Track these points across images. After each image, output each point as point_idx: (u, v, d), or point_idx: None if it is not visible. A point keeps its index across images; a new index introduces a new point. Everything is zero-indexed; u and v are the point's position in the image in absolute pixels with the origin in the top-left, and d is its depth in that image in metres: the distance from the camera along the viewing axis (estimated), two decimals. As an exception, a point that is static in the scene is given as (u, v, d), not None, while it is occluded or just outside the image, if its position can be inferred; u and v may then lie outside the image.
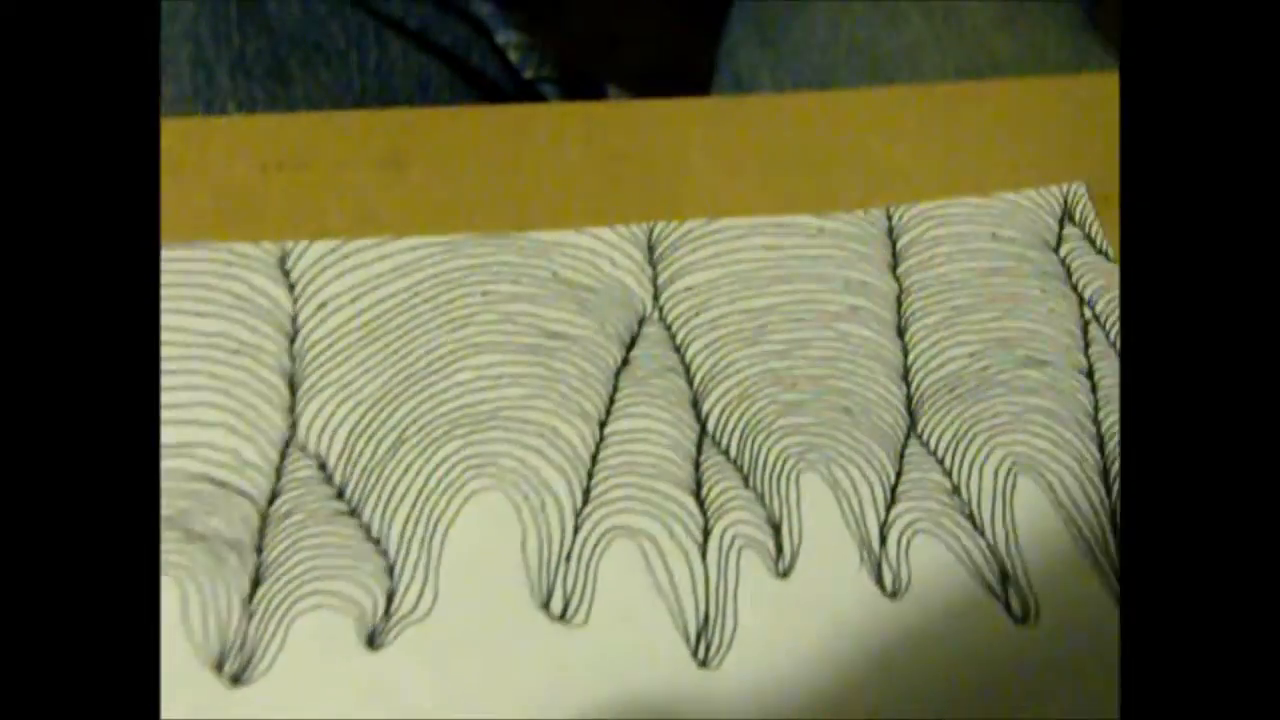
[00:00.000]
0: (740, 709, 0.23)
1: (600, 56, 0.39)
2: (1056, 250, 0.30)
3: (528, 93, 0.37)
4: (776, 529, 0.25)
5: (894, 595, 0.25)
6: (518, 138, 0.32)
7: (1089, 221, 0.30)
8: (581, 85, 0.34)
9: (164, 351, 0.27)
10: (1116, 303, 0.29)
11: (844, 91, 0.34)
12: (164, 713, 0.23)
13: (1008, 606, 0.25)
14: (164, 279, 0.28)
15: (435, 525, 0.25)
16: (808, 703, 0.23)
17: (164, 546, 0.24)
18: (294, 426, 0.26)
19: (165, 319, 0.27)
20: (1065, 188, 0.31)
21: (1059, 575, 0.25)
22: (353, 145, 0.31)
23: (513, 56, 0.36)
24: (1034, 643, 0.24)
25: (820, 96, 0.34)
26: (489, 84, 0.36)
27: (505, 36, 0.36)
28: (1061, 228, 0.30)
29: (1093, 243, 0.30)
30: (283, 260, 0.28)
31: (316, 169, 0.30)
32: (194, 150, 0.30)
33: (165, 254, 0.28)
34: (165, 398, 0.26)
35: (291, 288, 0.28)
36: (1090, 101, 0.32)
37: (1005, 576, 0.25)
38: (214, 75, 0.30)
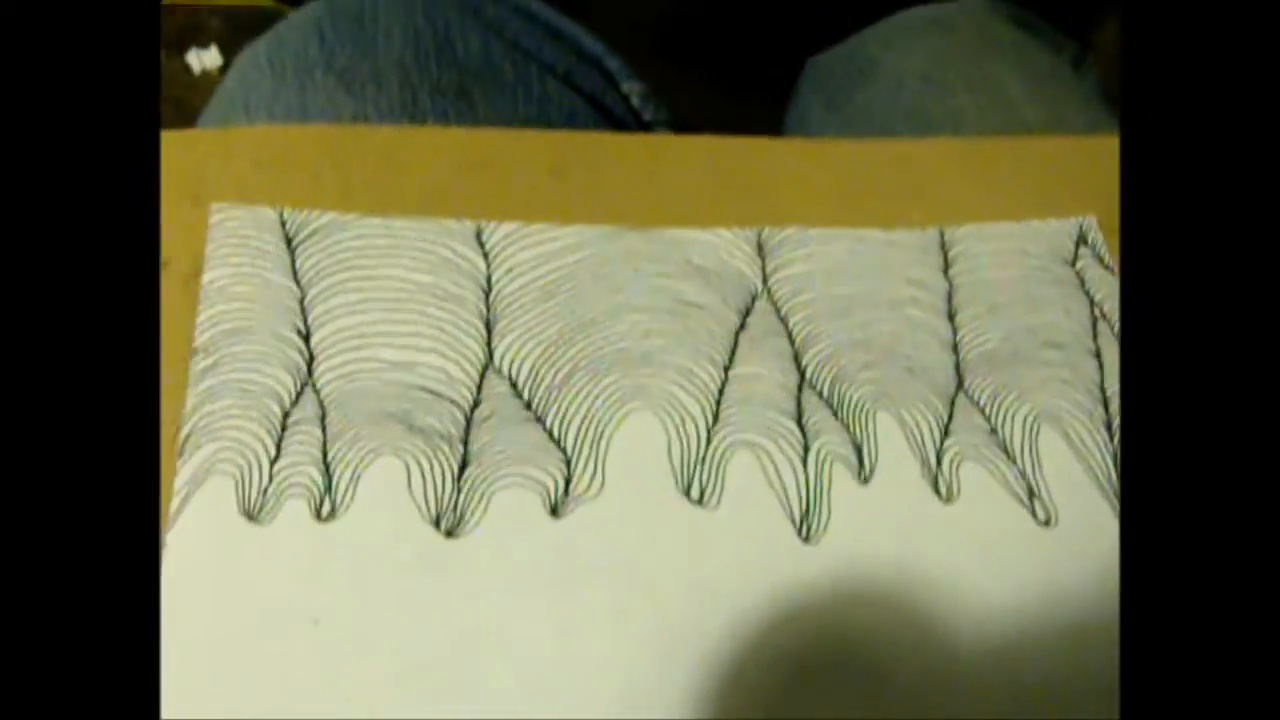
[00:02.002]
0: (831, 572, 0.31)
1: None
2: (1073, 265, 0.39)
3: (648, 131, 0.46)
4: (859, 450, 0.33)
5: (948, 500, 0.33)
6: (650, 158, 0.40)
7: (1098, 245, 0.39)
8: (686, 128, 0.43)
9: (385, 296, 0.35)
10: (1117, 304, 0.38)
11: (903, 140, 0.43)
12: (394, 555, 0.31)
13: (1033, 513, 0.33)
14: (386, 243, 0.36)
15: (602, 432, 0.33)
16: (881, 572, 0.31)
17: (390, 435, 0.32)
18: (490, 356, 0.34)
19: (386, 270, 0.35)
20: (1080, 219, 0.40)
21: (1072, 493, 0.33)
22: (526, 155, 0.39)
23: (635, 102, 0.45)
24: (1054, 541, 0.32)
25: (885, 143, 0.43)
26: (618, 121, 0.44)
27: (629, 86, 0.45)
28: (1077, 248, 0.39)
29: (1101, 260, 0.39)
30: (479, 234, 0.36)
31: (499, 171, 0.38)
32: (404, 151, 0.38)
33: (388, 223, 0.36)
34: (390, 328, 0.34)
35: (486, 255, 0.36)
36: (1101, 155, 0.41)
37: (1032, 493, 0.33)
38: (417, 96, 0.39)
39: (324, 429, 0.32)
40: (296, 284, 0.34)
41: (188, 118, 0.48)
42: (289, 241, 0.35)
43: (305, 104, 0.38)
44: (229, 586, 0.29)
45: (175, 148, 0.36)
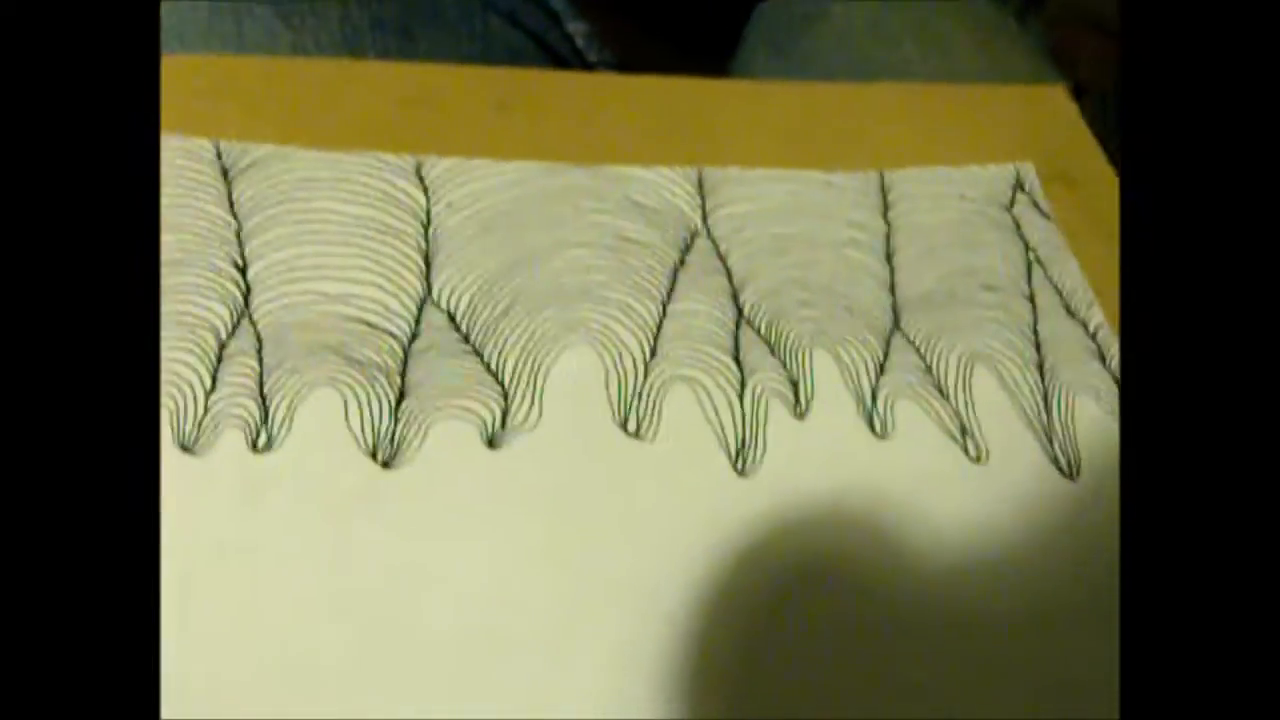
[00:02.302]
0: (766, 505, 0.31)
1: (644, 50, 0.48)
2: (1009, 210, 0.39)
3: (591, 72, 0.46)
4: (795, 385, 0.34)
5: (882, 437, 0.33)
6: (595, 97, 0.40)
7: (1035, 191, 0.39)
8: (630, 69, 0.43)
9: (324, 229, 0.35)
10: (1053, 248, 0.38)
11: (847, 84, 0.43)
12: (331, 486, 0.30)
13: (965, 450, 0.33)
14: (325, 176, 0.35)
15: (539, 365, 0.33)
16: (816, 505, 0.32)
17: (327, 367, 0.32)
18: (429, 289, 0.34)
19: (324, 204, 0.35)
20: (1018, 165, 0.40)
21: (1003, 431, 0.34)
22: (468, 91, 0.39)
23: (579, 42, 0.45)
24: (986, 476, 0.33)
25: (828, 87, 0.43)
26: (562, 61, 0.44)
27: (574, 25, 0.45)
28: (1014, 194, 0.39)
29: (1037, 206, 0.39)
30: (418, 168, 0.36)
31: (440, 106, 0.38)
32: (344, 84, 0.38)
33: (327, 156, 0.36)
34: (328, 260, 0.34)
35: (426, 190, 0.36)
36: (1041, 103, 0.41)
37: (964, 430, 0.34)
38: (358, 29, 0.39)
39: (260, 361, 0.32)
40: (233, 216, 0.34)
41: None
42: (225, 173, 0.35)
43: (242, 34, 0.38)
44: (165, 517, 0.29)
45: None
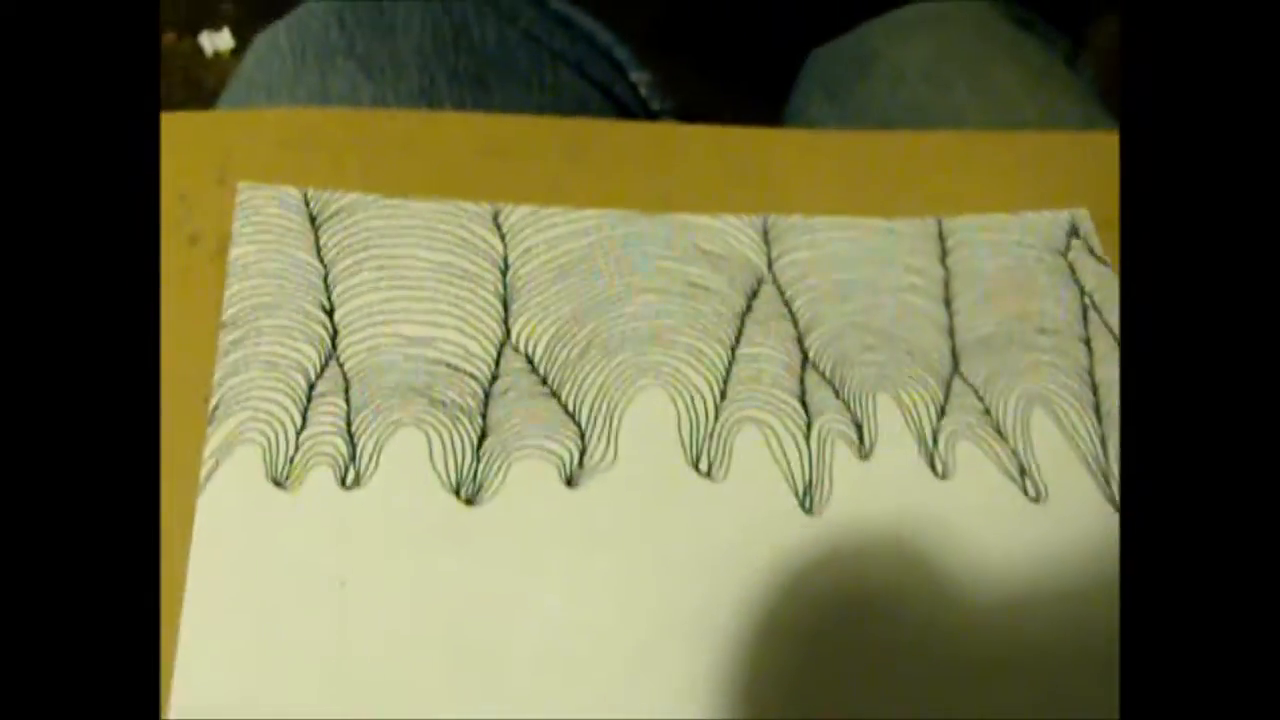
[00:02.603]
0: (832, 542, 0.32)
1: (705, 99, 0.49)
2: (1065, 255, 0.40)
3: (655, 120, 0.48)
4: (859, 427, 0.35)
5: (943, 477, 0.34)
6: (659, 145, 0.42)
7: (1090, 236, 0.41)
8: (691, 116, 0.45)
9: (406, 275, 0.36)
10: (1109, 293, 0.39)
11: (904, 132, 0.45)
12: (416, 521, 0.32)
13: (1024, 490, 0.34)
14: (406, 223, 0.37)
15: (614, 407, 0.34)
16: (880, 541, 0.33)
17: (412, 408, 0.34)
18: (507, 333, 0.36)
19: (409, 250, 0.37)
20: (1073, 211, 0.41)
21: (1061, 472, 0.35)
22: (541, 141, 0.40)
23: (643, 91, 0.47)
24: (1044, 516, 0.34)
25: (886, 135, 0.44)
26: (627, 109, 0.46)
27: (637, 75, 0.47)
28: (1069, 240, 0.41)
29: (1092, 252, 0.40)
30: (495, 215, 0.38)
31: (515, 156, 0.40)
32: (424, 135, 0.40)
33: (408, 204, 0.37)
34: (411, 305, 0.36)
35: (503, 236, 0.37)
36: (1094, 150, 0.43)
37: (1023, 470, 0.35)
38: (435, 82, 0.40)
39: (348, 400, 0.33)
40: (320, 262, 0.36)
41: (205, 98, 0.49)
42: (313, 220, 0.36)
43: (326, 87, 0.39)
44: (257, 551, 0.31)
45: (203, 128, 0.38)
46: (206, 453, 0.32)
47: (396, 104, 0.40)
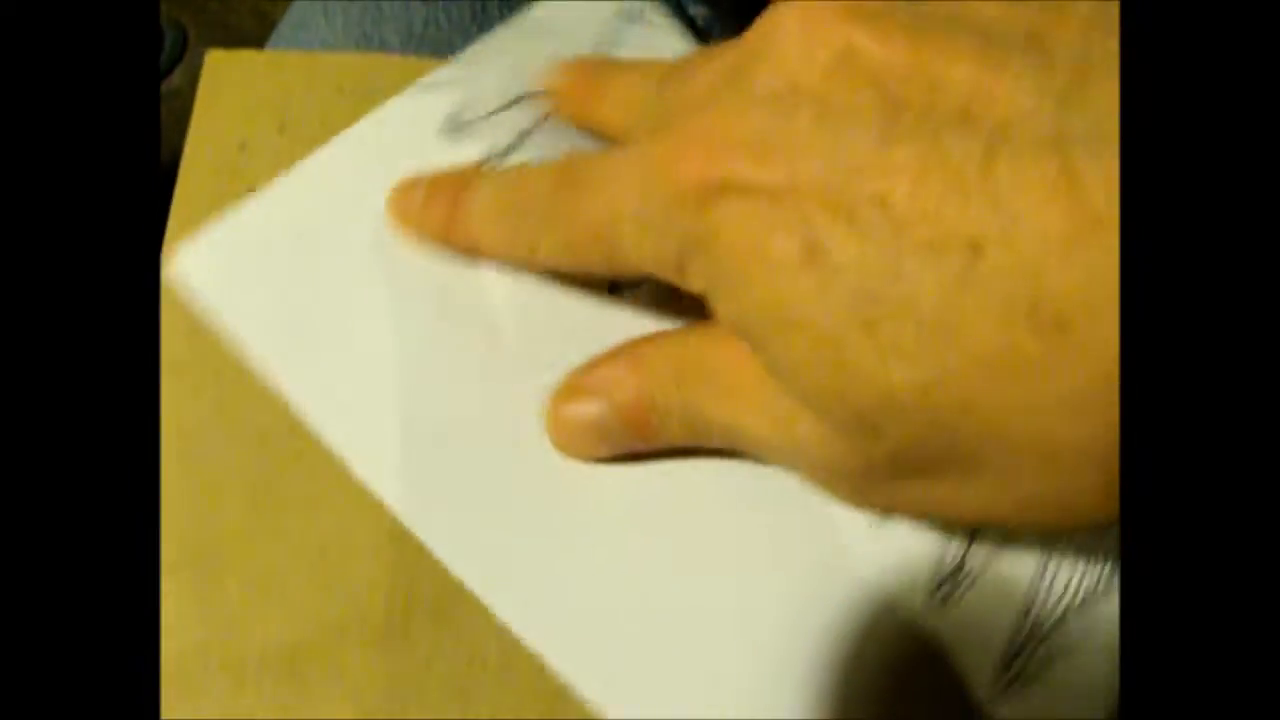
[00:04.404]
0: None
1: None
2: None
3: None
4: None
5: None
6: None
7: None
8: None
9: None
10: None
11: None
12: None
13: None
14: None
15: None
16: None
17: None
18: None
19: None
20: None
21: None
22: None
23: (699, 23, 0.45)
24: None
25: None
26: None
27: (695, 9, 0.45)
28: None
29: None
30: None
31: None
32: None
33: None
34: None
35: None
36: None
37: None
38: (485, 5, 0.39)
39: None
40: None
41: (268, 22, 0.48)
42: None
43: (380, 6, 0.38)
44: None
45: (261, 72, 0.36)
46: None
47: (447, 27, 0.38)
